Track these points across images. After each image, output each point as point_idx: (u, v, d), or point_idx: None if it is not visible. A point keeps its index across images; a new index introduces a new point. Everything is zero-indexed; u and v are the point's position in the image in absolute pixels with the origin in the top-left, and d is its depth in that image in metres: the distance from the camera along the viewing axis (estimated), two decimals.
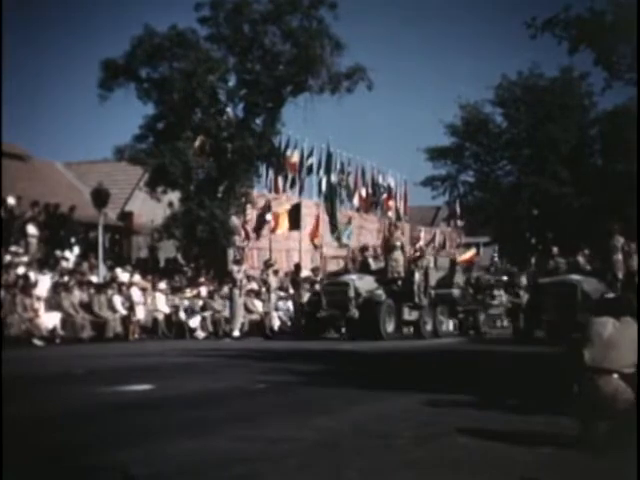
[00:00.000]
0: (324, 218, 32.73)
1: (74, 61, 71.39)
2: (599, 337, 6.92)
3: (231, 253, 26.80)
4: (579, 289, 21.30)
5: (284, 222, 29.92)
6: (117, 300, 21.74)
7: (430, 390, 9.77)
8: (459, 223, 42.59)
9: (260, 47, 28.49)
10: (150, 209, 29.98)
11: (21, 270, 20.65)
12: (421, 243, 32.20)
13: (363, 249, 27.15)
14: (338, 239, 32.99)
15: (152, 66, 28.08)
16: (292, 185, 33.84)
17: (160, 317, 22.76)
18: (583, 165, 41.00)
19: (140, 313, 22.22)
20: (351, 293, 23.22)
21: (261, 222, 29.44)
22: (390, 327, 23.31)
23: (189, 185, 27.76)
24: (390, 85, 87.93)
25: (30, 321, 19.05)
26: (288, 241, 31.63)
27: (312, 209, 32.35)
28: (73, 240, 25.86)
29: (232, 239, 28.13)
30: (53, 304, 20.15)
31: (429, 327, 24.84)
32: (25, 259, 22.04)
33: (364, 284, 23.68)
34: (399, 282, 24.06)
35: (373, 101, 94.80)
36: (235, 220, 28.61)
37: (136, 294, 22.54)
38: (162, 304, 23.26)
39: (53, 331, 19.55)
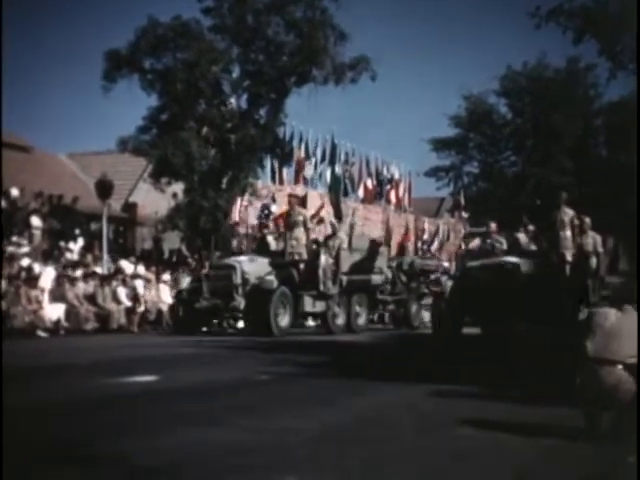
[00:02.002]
0: (329, 209, 32.73)
1: (77, 52, 71.36)
2: (601, 328, 6.91)
3: (235, 243, 26.62)
4: (519, 272, 17.74)
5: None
6: (121, 292, 21.75)
7: None
8: (463, 214, 42.54)
9: (264, 38, 28.44)
10: (154, 200, 29.98)
11: (25, 262, 20.65)
12: (332, 219, 25.97)
13: (262, 225, 24.30)
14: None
15: (156, 57, 28.05)
16: (297, 177, 33.92)
17: (164, 308, 22.75)
18: (587, 156, 40.92)
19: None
20: (237, 279, 19.56)
21: (267, 213, 29.42)
22: (284, 320, 19.59)
23: (193, 176, 27.74)
24: (394, 76, 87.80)
25: (34, 313, 19.05)
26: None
27: (317, 200, 32.36)
28: (77, 231, 25.87)
29: (236, 230, 28.12)
30: (57, 296, 20.15)
31: (340, 320, 21.45)
32: (29, 250, 22.05)
33: (255, 268, 19.95)
34: (300, 266, 20.48)
35: (377, 92, 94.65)
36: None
37: (140, 286, 22.55)
38: (166, 295, 23.25)
39: (57, 323, 19.54)
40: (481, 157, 44.14)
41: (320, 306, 20.84)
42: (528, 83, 41.68)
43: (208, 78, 27.68)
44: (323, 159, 35.64)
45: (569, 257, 18.93)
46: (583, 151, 40.99)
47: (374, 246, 23.41)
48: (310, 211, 28.56)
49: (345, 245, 22.34)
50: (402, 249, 32.69)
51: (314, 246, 21.20)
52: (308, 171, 34.67)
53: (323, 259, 20.64)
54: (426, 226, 40.48)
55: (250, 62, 28.85)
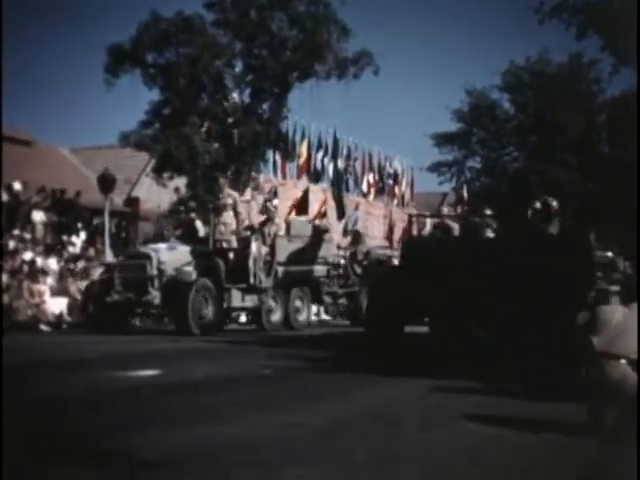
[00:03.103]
0: (331, 204, 32.74)
1: (80, 46, 71.29)
2: (607, 323, 6.95)
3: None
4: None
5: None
6: None
7: None
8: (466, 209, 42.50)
9: (267, 32, 28.42)
10: (156, 195, 29.98)
11: (27, 256, 20.67)
12: (268, 203, 23.07)
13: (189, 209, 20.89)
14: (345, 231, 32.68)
15: (158, 51, 28.04)
16: (299, 171, 33.98)
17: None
18: (590, 151, 40.87)
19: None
20: (152, 270, 17.19)
21: (267, 208, 29.41)
22: (207, 317, 17.32)
23: (196, 171, 27.73)
24: (397, 70, 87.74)
25: (37, 307, 19.08)
26: None
27: (319, 195, 32.37)
28: (79, 225, 25.89)
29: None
30: (59, 289, 20.17)
31: (277, 316, 19.40)
32: (31, 245, 22.08)
33: (174, 257, 17.54)
34: (230, 255, 18.28)
35: (380, 86, 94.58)
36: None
37: None
38: None
39: (60, 317, 19.57)
40: (484, 152, 44.06)
41: (251, 301, 18.67)
42: (531, 78, 41.62)
43: (211, 73, 27.67)
44: (325, 154, 35.67)
45: None
46: (586, 146, 40.94)
47: (318, 233, 21.01)
48: (313, 206, 28.57)
49: (282, 232, 19.99)
50: None
51: (248, 233, 18.93)
52: (311, 166, 34.70)
53: (254, 247, 18.35)
54: (428, 220, 40.44)
55: (253, 57, 28.84)
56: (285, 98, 29.36)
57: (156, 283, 17.13)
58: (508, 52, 74.27)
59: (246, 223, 19.69)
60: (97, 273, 19.52)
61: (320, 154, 35.44)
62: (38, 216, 23.56)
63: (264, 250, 18.86)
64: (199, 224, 19.31)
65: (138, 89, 28.59)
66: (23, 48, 57.57)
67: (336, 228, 32.91)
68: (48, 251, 22.37)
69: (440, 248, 15.17)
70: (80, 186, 27.89)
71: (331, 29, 28.10)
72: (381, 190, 39.99)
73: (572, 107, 40.30)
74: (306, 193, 29.55)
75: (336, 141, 36.13)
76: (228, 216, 18.60)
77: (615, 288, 20.75)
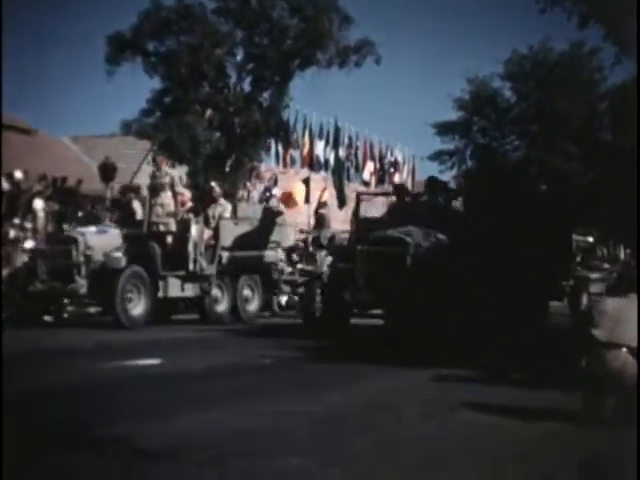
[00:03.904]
0: (332, 192, 32.73)
1: (80, 35, 71.11)
2: (606, 313, 6.98)
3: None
4: (412, 249, 13.54)
5: (299, 197, 29.73)
6: None
7: None
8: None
9: (268, 21, 28.36)
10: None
11: (29, 244, 20.65)
12: (212, 183, 21.08)
13: (126, 189, 19.20)
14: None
15: (159, 40, 28.00)
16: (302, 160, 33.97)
17: None
18: (591, 140, 40.82)
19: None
20: (78, 255, 15.47)
21: (268, 196, 29.41)
22: (139, 308, 15.61)
23: (197, 159, 27.72)
24: (398, 59, 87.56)
25: None
26: (298, 215, 31.63)
27: (320, 183, 32.35)
28: (80, 214, 25.85)
29: None
30: None
31: (223, 307, 17.60)
32: (32, 234, 22.06)
33: (104, 242, 15.81)
34: (168, 239, 16.59)
35: (381, 75, 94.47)
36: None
37: None
38: None
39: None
40: (485, 141, 44.01)
41: (192, 290, 16.98)
42: (533, 67, 41.55)
43: (212, 61, 27.64)
44: (327, 143, 35.64)
45: None
46: (588, 135, 40.88)
47: (270, 216, 19.29)
48: (314, 194, 28.53)
49: (228, 214, 18.27)
50: None
51: (191, 216, 17.34)
52: (312, 154, 34.69)
53: (195, 230, 16.72)
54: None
55: (254, 45, 28.78)
56: (286, 87, 29.31)
57: (83, 270, 15.47)
58: (509, 40, 74.33)
59: (189, 205, 18.00)
60: (21, 260, 17.47)
61: (321, 143, 35.40)
62: (39, 205, 23.52)
63: (207, 234, 17.27)
64: (137, 205, 17.14)
65: (139, 77, 28.60)
66: (24, 36, 57.42)
67: (337, 216, 32.97)
68: (49, 240, 22.33)
69: (385, 231, 14.14)
70: (81, 174, 27.88)
71: (332, 17, 28.03)
72: (382, 179, 39.94)
73: (574, 96, 40.25)
74: (307, 182, 29.54)
75: (337, 130, 36.08)
76: (166, 196, 16.90)
77: (596, 275, 20.39)
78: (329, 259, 15.41)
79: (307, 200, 30.07)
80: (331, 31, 27.93)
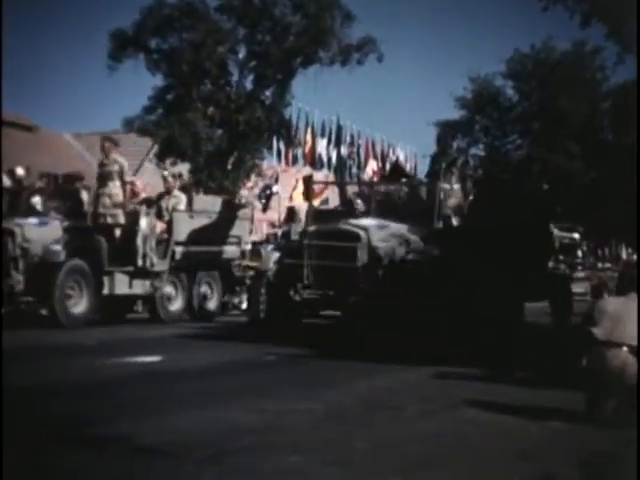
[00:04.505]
0: (335, 190, 32.69)
1: (83, 31, 71.20)
2: (606, 312, 6.98)
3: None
4: (365, 243, 12.54)
5: (299, 194, 29.72)
6: None
7: None
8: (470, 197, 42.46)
9: (270, 18, 28.38)
10: (159, 180, 29.97)
11: None
12: (164, 172, 19.83)
13: (70, 177, 17.45)
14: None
15: (161, 37, 28.04)
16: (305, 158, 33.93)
17: None
18: (593, 139, 40.84)
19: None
20: (14, 248, 14.04)
21: (268, 194, 29.40)
22: (80, 306, 14.32)
23: (199, 157, 27.75)
24: (401, 57, 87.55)
25: None
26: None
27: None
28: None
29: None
30: None
31: (177, 305, 16.46)
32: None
33: (45, 234, 14.45)
34: (116, 232, 15.36)
35: (383, 73, 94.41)
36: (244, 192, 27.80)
37: None
38: None
39: None
40: (487, 140, 44.05)
41: (141, 287, 15.74)
42: (535, 66, 41.57)
43: (214, 59, 27.67)
44: (329, 141, 35.63)
45: (456, 220, 13.98)
46: (589, 134, 40.90)
47: (230, 209, 18.07)
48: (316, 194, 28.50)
49: (182, 206, 16.98)
50: None
51: (142, 207, 16.15)
52: (315, 152, 34.67)
53: (144, 223, 15.55)
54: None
55: (256, 43, 28.81)
56: (288, 84, 29.34)
57: (20, 265, 14.04)
58: (512, 39, 74.26)
59: (143, 196, 17.03)
60: None
61: (323, 141, 35.39)
62: (38, 201, 23.50)
63: (160, 227, 16.11)
64: (85, 195, 15.72)
65: (141, 75, 28.64)
66: (26, 33, 57.56)
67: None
68: None
69: (337, 224, 13.08)
70: (84, 171, 27.90)
71: (335, 15, 28.05)
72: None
73: (576, 95, 40.27)
74: (309, 179, 29.53)
75: (339, 128, 36.06)
76: (114, 186, 15.50)
77: (580, 275, 19.92)
78: (276, 255, 13.70)
79: (307, 198, 30.04)
80: (333, 29, 27.95)
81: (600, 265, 39.40)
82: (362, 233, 12.57)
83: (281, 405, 7.40)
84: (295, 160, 33.65)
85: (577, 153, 39.98)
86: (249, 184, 28.80)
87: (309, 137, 33.97)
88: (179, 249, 16.25)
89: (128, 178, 16.34)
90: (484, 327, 12.31)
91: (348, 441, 6.03)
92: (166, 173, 18.99)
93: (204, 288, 17.10)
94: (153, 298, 15.99)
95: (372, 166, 38.75)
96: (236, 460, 5.51)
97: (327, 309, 13.60)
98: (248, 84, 29.17)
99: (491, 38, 79.72)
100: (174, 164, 28.10)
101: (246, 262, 18.14)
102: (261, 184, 29.81)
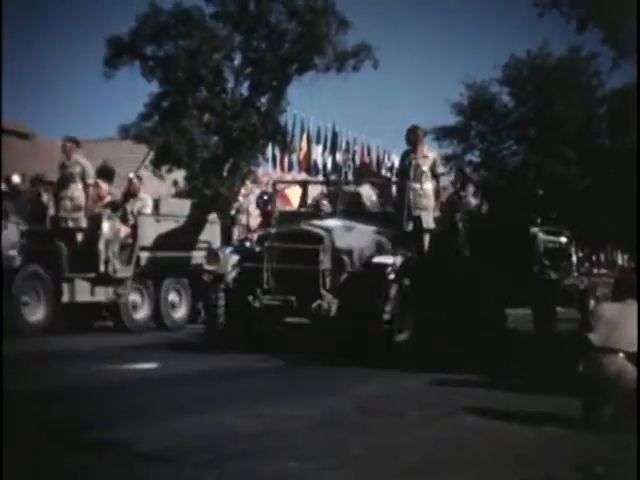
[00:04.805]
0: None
1: (78, 38, 71.18)
2: (603, 318, 6.98)
3: (236, 232, 26.39)
4: (328, 247, 11.84)
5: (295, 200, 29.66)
6: None
7: None
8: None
9: (266, 25, 28.34)
10: (155, 187, 29.97)
11: None
12: (131, 174, 18.74)
13: (36, 180, 17.15)
14: None
15: (157, 44, 28.00)
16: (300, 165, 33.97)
17: None
18: (589, 145, 40.90)
19: None
20: None
21: (266, 200, 29.37)
22: (38, 314, 13.78)
23: (194, 163, 27.72)
24: (396, 64, 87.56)
25: None
26: None
27: (317, 187, 32.34)
28: None
29: (237, 218, 28.09)
30: None
31: (143, 313, 15.83)
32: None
33: (3, 239, 13.58)
34: (78, 237, 14.77)
35: (379, 80, 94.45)
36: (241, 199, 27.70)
37: None
38: None
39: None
40: (483, 146, 44.08)
41: (104, 294, 15.06)
42: (531, 72, 41.63)
43: (210, 65, 27.62)
44: (324, 147, 35.67)
45: (428, 222, 13.15)
46: (585, 140, 40.95)
47: (199, 213, 17.51)
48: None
49: (149, 209, 16.39)
50: None
51: (104, 210, 15.46)
52: (310, 159, 34.72)
53: (106, 227, 14.92)
54: None
55: (252, 50, 28.76)
56: (284, 91, 29.29)
57: None
58: (508, 45, 74.34)
59: (108, 199, 16.39)
60: None
61: (319, 147, 35.44)
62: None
63: (124, 231, 15.48)
64: (47, 199, 15.19)
65: (137, 81, 28.58)
66: (21, 40, 57.46)
67: None
68: None
69: (299, 224, 12.53)
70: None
71: (330, 22, 28.02)
72: None
73: (572, 101, 40.32)
74: (305, 186, 29.54)
75: (335, 134, 36.13)
76: (76, 188, 15.02)
77: (574, 281, 19.55)
78: (235, 258, 12.75)
79: (304, 204, 30.05)
80: (329, 36, 27.92)
81: (595, 271, 39.52)
82: (325, 235, 11.94)
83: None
84: (291, 167, 33.72)
85: (573, 159, 40.02)
86: (243, 191, 28.76)
87: (304, 144, 34.06)
88: (144, 254, 15.69)
89: (91, 180, 15.59)
90: (461, 332, 12.15)
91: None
92: (132, 175, 17.98)
93: (172, 295, 16.49)
94: (117, 306, 15.30)
95: None
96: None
97: (289, 316, 12.51)
98: (244, 91, 29.14)
99: (487, 44, 79.76)
100: (170, 171, 28.09)
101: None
102: (257, 190, 29.78)
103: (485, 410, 7.52)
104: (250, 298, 11.81)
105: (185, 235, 16.60)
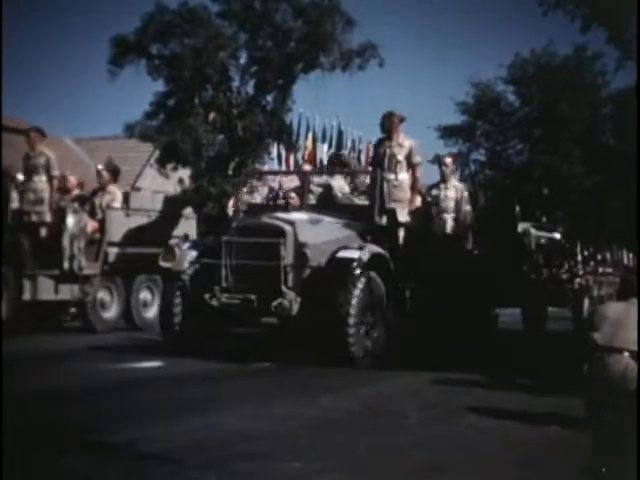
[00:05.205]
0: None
1: (84, 37, 71.21)
2: (607, 317, 6.96)
3: None
4: (291, 241, 10.94)
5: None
6: None
7: None
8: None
9: (271, 24, 28.37)
10: (160, 186, 30.00)
11: None
12: (99, 166, 17.17)
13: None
14: None
15: (163, 43, 28.03)
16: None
17: None
18: (594, 144, 40.82)
19: None
20: None
21: (272, 196, 29.28)
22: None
23: (200, 162, 27.74)
24: (402, 63, 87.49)
25: None
26: None
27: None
28: None
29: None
30: None
31: (113, 312, 15.11)
32: None
33: None
34: (42, 231, 14.10)
35: (384, 78, 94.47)
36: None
37: None
38: None
39: None
40: (488, 145, 44.00)
41: (69, 292, 14.30)
42: (536, 71, 41.55)
43: (215, 64, 27.66)
44: (330, 146, 35.64)
45: (403, 216, 12.20)
46: (591, 139, 40.87)
47: (173, 207, 16.65)
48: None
49: (118, 203, 15.52)
50: None
51: (70, 203, 14.75)
52: (316, 158, 34.70)
53: (71, 221, 14.09)
54: None
55: (257, 48, 28.79)
56: (289, 90, 29.32)
57: None
58: (512, 44, 74.20)
59: (76, 192, 15.77)
60: None
61: (324, 146, 35.40)
62: None
63: (91, 226, 14.63)
64: (15, 195, 14.36)
65: (142, 80, 28.64)
66: (26, 38, 57.54)
67: None
68: None
69: (260, 217, 11.69)
70: (84, 176, 27.89)
71: (336, 20, 28.03)
72: None
73: (577, 100, 40.24)
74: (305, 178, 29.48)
75: (340, 133, 36.10)
76: (39, 180, 14.26)
77: (568, 279, 18.66)
78: (193, 254, 11.85)
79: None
80: (334, 34, 27.93)
81: (601, 270, 39.45)
82: (288, 228, 10.99)
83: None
84: (296, 165, 33.70)
85: (578, 158, 39.95)
86: (244, 189, 28.77)
87: (310, 142, 34.02)
88: (113, 250, 14.89)
89: (56, 172, 14.78)
90: (443, 333, 11.72)
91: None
92: (100, 167, 16.67)
93: (144, 294, 15.64)
94: (84, 305, 14.53)
95: None
96: None
97: (249, 316, 11.72)
98: (249, 89, 29.17)
99: (492, 43, 79.60)
100: (175, 169, 28.12)
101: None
102: (265, 188, 29.73)
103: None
104: (207, 297, 10.94)
105: (157, 230, 15.57)
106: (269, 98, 29.29)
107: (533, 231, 15.98)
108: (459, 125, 43.00)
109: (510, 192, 18.15)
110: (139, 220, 15.53)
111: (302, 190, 12.92)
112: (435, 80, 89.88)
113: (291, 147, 31.98)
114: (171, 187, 28.45)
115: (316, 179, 13.38)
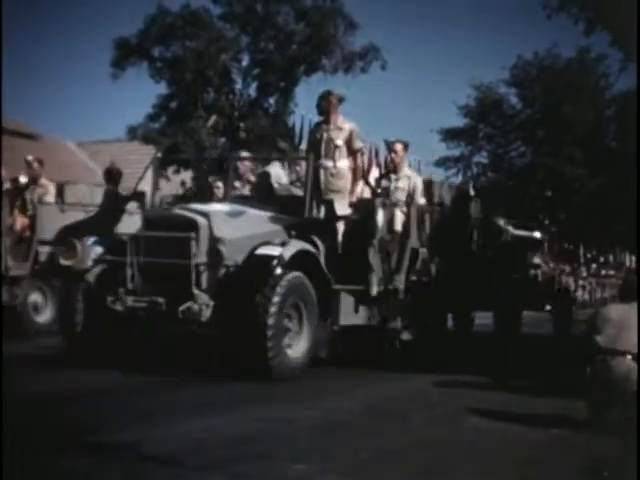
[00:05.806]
0: None
1: (86, 40, 71.33)
2: (610, 320, 6.95)
3: None
4: (204, 236, 9.33)
5: None
6: None
7: None
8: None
9: (273, 26, 28.39)
10: (162, 188, 29.99)
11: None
12: (28, 157, 15.00)
13: None
14: None
15: (165, 45, 28.06)
16: None
17: None
18: (597, 146, 40.82)
19: None
20: None
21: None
22: None
23: (202, 165, 27.75)
24: (404, 65, 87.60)
25: None
26: None
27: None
28: None
29: None
30: None
31: (46, 316, 13.48)
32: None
33: None
34: None
35: (386, 81, 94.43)
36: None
37: None
38: None
39: None
40: (491, 147, 44.02)
41: (9, 296, 13.07)
42: (539, 73, 41.57)
43: (217, 67, 27.68)
44: None
45: (342, 209, 10.60)
46: (593, 141, 40.87)
47: (114, 201, 14.18)
48: None
49: (51, 197, 14.10)
50: None
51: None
52: None
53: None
54: None
55: (259, 51, 28.82)
56: (292, 92, 29.33)
57: None
58: (515, 47, 74.20)
59: (6, 186, 14.12)
60: None
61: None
62: None
63: (20, 223, 13.45)
64: None
65: (145, 83, 28.69)
66: (28, 41, 57.63)
67: None
68: None
69: (171, 209, 10.51)
70: (87, 180, 27.94)
71: (338, 23, 28.05)
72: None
73: (580, 102, 40.24)
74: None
75: None
76: None
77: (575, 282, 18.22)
78: (98, 250, 10.33)
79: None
80: (336, 37, 27.95)
81: (603, 272, 39.46)
82: (201, 221, 9.40)
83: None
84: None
85: (581, 160, 39.95)
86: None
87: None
88: (45, 249, 13.29)
89: None
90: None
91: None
92: (30, 158, 14.91)
93: None
94: (14, 308, 13.06)
95: (375, 174, 38.76)
96: None
97: (157, 321, 9.60)
98: (251, 92, 29.18)
99: (495, 46, 79.71)
100: (177, 172, 28.12)
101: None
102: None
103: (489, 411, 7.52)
104: (110, 300, 9.40)
105: (95, 227, 12.90)
106: (271, 100, 29.33)
107: (510, 229, 14.74)
108: (461, 128, 43.02)
109: (466, 189, 16.90)
110: (75, 216, 13.69)
111: (225, 178, 11.72)
112: (437, 83, 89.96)
113: (293, 149, 31.99)
114: (173, 189, 28.44)
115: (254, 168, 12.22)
